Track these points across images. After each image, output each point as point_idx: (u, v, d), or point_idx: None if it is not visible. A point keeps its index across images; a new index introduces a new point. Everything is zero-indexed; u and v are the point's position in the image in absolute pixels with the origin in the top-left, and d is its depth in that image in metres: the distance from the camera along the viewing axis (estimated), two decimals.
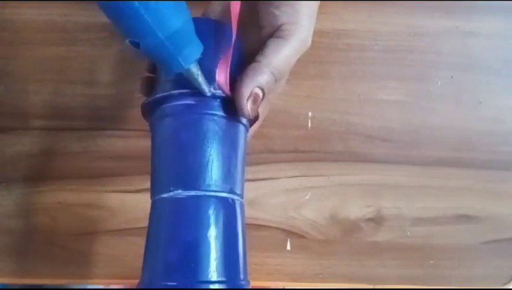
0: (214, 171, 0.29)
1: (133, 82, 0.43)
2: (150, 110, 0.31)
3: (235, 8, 0.29)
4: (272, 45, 0.30)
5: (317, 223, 0.43)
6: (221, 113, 0.30)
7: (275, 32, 0.30)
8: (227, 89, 0.30)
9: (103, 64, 0.44)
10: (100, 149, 0.43)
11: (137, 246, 0.42)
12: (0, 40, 0.44)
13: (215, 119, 0.29)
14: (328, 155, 0.43)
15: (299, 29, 0.30)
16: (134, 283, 0.43)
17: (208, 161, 0.29)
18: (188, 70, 0.27)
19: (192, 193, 0.28)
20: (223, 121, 0.30)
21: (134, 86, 0.43)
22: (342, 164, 0.43)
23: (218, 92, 0.29)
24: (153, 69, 0.32)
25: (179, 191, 0.28)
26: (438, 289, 0.43)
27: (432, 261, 0.43)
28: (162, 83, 0.31)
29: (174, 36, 0.25)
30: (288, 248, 0.43)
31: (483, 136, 0.44)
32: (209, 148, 0.29)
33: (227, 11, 0.31)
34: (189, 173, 0.29)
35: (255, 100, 0.29)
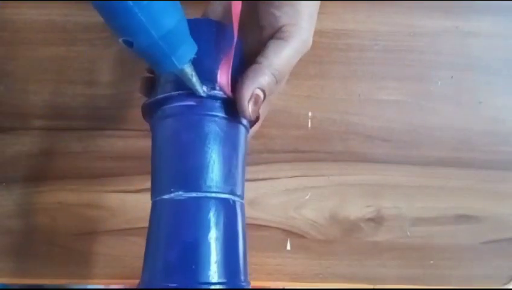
0: (215, 173, 0.29)
1: (133, 82, 0.44)
2: (150, 111, 0.31)
3: (236, 8, 0.29)
4: (273, 46, 0.30)
5: (317, 223, 0.43)
6: (222, 114, 0.30)
7: (275, 34, 0.30)
8: (228, 90, 0.30)
9: (103, 64, 0.44)
10: (100, 149, 0.43)
11: (137, 246, 0.42)
12: (0, 40, 0.44)
13: (216, 121, 0.29)
14: (328, 155, 0.43)
15: (299, 31, 0.30)
16: (134, 283, 0.43)
17: (209, 162, 0.29)
18: (182, 70, 0.27)
19: (193, 194, 0.28)
20: (224, 122, 0.30)
21: (134, 86, 0.43)
22: (342, 164, 0.43)
23: (219, 93, 0.29)
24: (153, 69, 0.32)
25: (180, 192, 0.28)
26: (438, 289, 0.43)
27: (431, 261, 0.43)
28: (163, 83, 0.31)
29: (168, 35, 0.25)
30: (288, 248, 0.43)
31: (483, 136, 0.44)
32: (210, 150, 0.29)
33: (228, 12, 0.31)
34: (190, 174, 0.29)
35: (256, 101, 0.29)
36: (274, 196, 0.43)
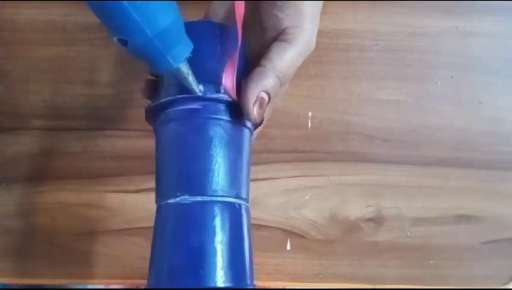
0: (221, 177, 0.29)
1: (133, 82, 0.44)
2: (154, 114, 0.31)
3: (240, 8, 0.28)
4: (276, 48, 0.30)
5: (317, 223, 0.43)
6: (226, 117, 0.29)
7: (279, 36, 0.30)
8: (233, 93, 0.29)
9: (103, 64, 0.44)
10: (100, 149, 0.43)
11: (137, 246, 0.42)
12: (0, 40, 0.44)
13: (220, 124, 0.29)
14: (328, 155, 0.43)
15: (302, 32, 0.30)
16: (134, 283, 0.43)
17: (214, 166, 0.29)
18: (178, 69, 0.27)
19: (199, 198, 0.28)
20: (229, 125, 0.30)
21: (134, 86, 0.43)
22: (342, 164, 0.43)
23: (224, 96, 0.29)
24: None
25: (186, 196, 0.28)
26: (438, 289, 0.43)
27: (432, 261, 0.43)
28: (166, 86, 0.30)
29: (163, 34, 0.25)
30: (288, 248, 0.43)
31: (483, 136, 0.44)
32: (215, 153, 0.29)
33: (231, 13, 0.30)
34: (195, 178, 0.28)
35: (261, 104, 0.29)
36: (274, 196, 0.43)
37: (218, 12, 0.34)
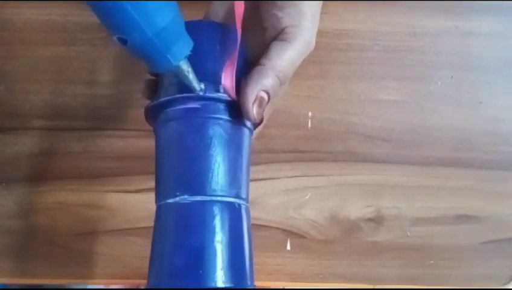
0: (220, 176, 0.29)
1: (133, 82, 0.44)
2: (153, 114, 0.31)
3: (239, 8, 0.28)
4: (276, 48, 0.30)
5: (317, 223, 0.43)
6: (226, 117, 0.29)
7: (278, 35, 0.30)
8: (233, 92, 0.29)
9: (103, 64, 0.44)
10: (100, 149, 0.43)
11: (137, 246, 0.42)
12: (0, 40, 0.44)
13: (220, 123, 0.29)
14: (328, 155, 0.43)
15: (302, 32, 0.30)
16: (134, 283, 0.43)
17: (214, 166, 0.29)
18: (178, 67, 0.27)
19: (198, 198, 0.28)
20: (228, 124, 0.30)
21: (134, 86, 0.43)
22: (342, 164, 0.43)
23: (223, 96, 0.29)
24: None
25: (185, 196, 0.28)
26: (438, 289, 0.43)
27: (432, 261, 0.43)
28: (166, 86, 0.30)
29: (162, 33, 0.25)
30: (288, 248, 0.43)
31: (483, 136, 0.44)
32: (214, 153, 0.29)
33: (231, 13, 0.30)
34: (195, 177, 0.28)
35: (261, 104, 0.29)
36: (274, 196, 0.43)
37: (218, 12, 0.34)
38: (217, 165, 0.29)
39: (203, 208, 0.28)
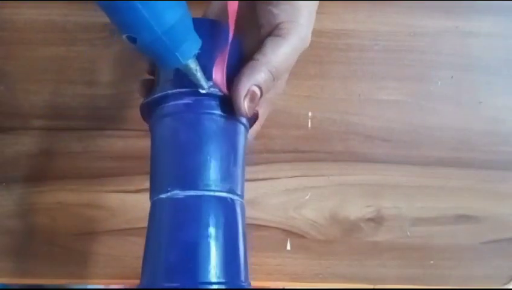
0: (213, 171, 0.29)
1: (133, 82, 0.43)
2: (148, 110, 0.31)
3: (232, 6, 0.28)
4: (270, 43, 0.30)
5: (317, 223, 0.43)
6: (219, 112, 0.30)
7: (273, 31, 0.30)
8: (224, 87, 0.29)
9: (103, 64, 0.44)
10: (100, 149, 0.43)
11: (137, 246, 0.42)
12: (0, 40, 0.44)
13: (213, 118, 0.29)
14: (328, 155, 0.43)
15: (297, 28, 0.30)
16: (134, 283, 0.43)
17: (207, 160, 0.29)
18: (186, 65, 0.27)
19: (191, 192, 0.28)
20: (222, 120, 0.30)
21: (134, 86, 0.43)
22: (342, 164, 0.43)
23: (216, 91, 0.29)
24: (153, 71, 0.32)
25: (177, 191, 0.28)
26: (438, 289, 0.43)
27: (432, 261, 0.43)
28: (161, 83, 0.30)
29: (171, 31, 0.25)
30: (288, 248, 0.43)
31: (483, 136, 0.44)
32: (207, 148, 0.29)
33: (224, 10, 0.31)
34: (188, 172, 0.28)
35: (252, 98, 0.29)
36: (274, 196, 0.43)
37: (214, 11, 0.34)
38: (209, 159, 0.29)
39: (195, 202, 0.28)
